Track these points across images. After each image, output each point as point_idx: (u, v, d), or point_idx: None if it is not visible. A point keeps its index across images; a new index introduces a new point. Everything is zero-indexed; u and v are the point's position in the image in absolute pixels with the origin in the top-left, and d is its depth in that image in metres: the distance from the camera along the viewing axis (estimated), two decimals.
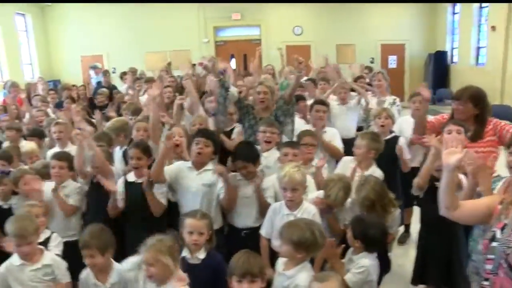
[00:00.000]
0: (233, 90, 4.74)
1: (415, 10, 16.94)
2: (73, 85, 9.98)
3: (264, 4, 16.49)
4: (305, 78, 8.23)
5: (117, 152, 4.61)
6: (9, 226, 3.09)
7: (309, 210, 3.35)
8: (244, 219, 3.79)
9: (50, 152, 4.82)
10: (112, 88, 9.18)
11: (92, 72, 12.87)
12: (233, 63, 15.41)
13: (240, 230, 3.79)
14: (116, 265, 3.12)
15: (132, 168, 3.82)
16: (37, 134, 5.42)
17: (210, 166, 3.79)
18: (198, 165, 3.78)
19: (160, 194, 3.71)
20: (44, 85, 9.48)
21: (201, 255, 3.11)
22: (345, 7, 16.34)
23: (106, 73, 10.52)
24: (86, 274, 3.13)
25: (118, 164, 4.42)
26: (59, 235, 3.61)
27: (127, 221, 3.81)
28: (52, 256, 3.23)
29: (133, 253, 2.98)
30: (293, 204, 3.33)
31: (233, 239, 3.74)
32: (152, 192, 3.65)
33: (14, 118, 6.61)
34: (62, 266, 3.21)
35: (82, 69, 16.98)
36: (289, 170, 3.28)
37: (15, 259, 3.13)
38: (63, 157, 4.03)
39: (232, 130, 4.99)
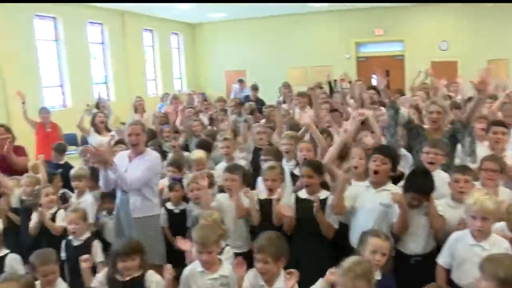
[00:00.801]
0: (403, 111, 4.60)
1: None
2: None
3: (408, 18, 15.99)
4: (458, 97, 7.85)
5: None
6: (194, 232, 3.29)
7: (500, 243, 3.07)
8: (414, 245, 3.61)
9: (220, 166, 5.08)
10: (259, 102, 9.47)
11: (236, 86, 13.52)
12: (374, 81, 15.11)
13: (409, 257, 3.63)
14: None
15: (304, 186, 3.89)
16: (205, 145, 5.74)
17: (388, 186, 3.69)
18: (376, 183, 3.70)
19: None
20: (199, 97, 10.13)
21: (377, 276, 3.03)
22: (497, 17, 15.11)
23: (254, 87, 10.87)
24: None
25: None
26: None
27: (297, 234, 3.86)
28: (230, 267, 3.36)
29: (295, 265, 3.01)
30: (481, 234, 3.07)
31: (402, 266, 3.59)
32: (322, 215, 3.68)
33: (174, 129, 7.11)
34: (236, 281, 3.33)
35: (226, 83, 17.91)
36: (480, 197, 3.04)
37: (197, 265, 3.31)
38: (237, 170, 4.21)
39: None
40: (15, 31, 10.81)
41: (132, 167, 3.98)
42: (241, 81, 13.30)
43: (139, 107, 8.44)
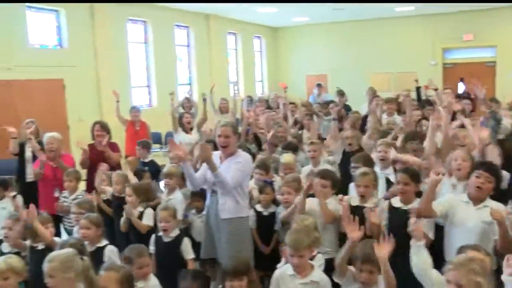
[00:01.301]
0: (506, 122, 4.35)
1: None
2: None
3: (502, 21, 15.11)
4: None
5: None
6: (287, 236, 3.29)
7: None
8: None
9: (306, 169, 5.05)
10: (346, 108, 9.32)
11: (315, 90, 13.41)
12: (461, 88, 14.44)
13: None
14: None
15: (399, 193, 3.76)
16: (292, 148, 5.75)
17: (488, 201, 3.47)
18: (476, 199, 3.50)
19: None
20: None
21: None
22: None
23: (341, 93, 10.71)
24: None
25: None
26: None
27: None
28: (321, 274, 3.32)
29: None
30: None
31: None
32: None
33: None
34: (328, 285, 3.29)
35: (307, 87, 17.86)
36: None
37: (288, 268, 3.31)
38: (328, 175, 4.16)
39: None
40: (110, 34, 11.42)
41: (223, 169, 4.02)
42: (319, 86, 13.17)
43: (223, 109, 8.61)
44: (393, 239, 2.99)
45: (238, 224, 4.05)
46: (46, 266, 2.83)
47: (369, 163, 4.55)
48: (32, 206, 3.82)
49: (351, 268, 3.17)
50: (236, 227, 4.02)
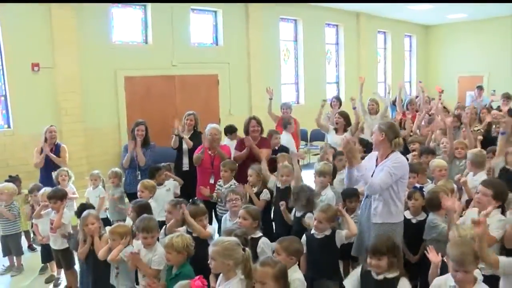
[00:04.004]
0: None
1: None
2: None
3: None
4: None
5: None
6: (450, 249, 3.11)
7: None
8: None
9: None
10: None
11: (472, 93, 12.47)
12: None
13: None
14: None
15: None
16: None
17: None
18: None
19: None
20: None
21: None
22: None
23: (508, 96, 9.71)
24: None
25: None
26: None
27: None
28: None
29: None
30: None
31: None
32: None
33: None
34: None
35: (459, 90, 16.76)
36: None
37: (449, 279, 3.12)
38: (492, 185, 3.86)
39: None
40: (263, 32, 11.85)
41: (377, 170, 3.93)
42: (480, 88, 12.23)
43: (371, 111, 8.42)
44: None
45: (389, 230, 3.92)
46: (210, 249, 3.05)
47: None
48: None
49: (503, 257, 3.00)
50: (385, 232, 3.90)
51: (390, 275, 3.17)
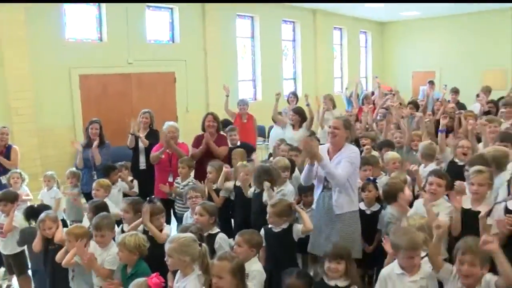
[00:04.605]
0: None
1: None
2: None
3: None
4: None
5: None
6: (398, 235, 3.23)
7: None
8: None
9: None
10: (460, 106, 8.83)
11: (424, 88, 12.83)
12: None
13: None
14: None
15: None
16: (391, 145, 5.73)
17: None
18: None
19: None
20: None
21: None
22: None
23: (455, 90, 10.15)
24: None
25: None
26: None
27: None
28: (429, 268, 3.21)
29: None
30: None
31: None
32: None
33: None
34: (435, 282, 3.20)
35: (413, 84, 17.23)
36: None
37: (396, 267, 3.25)
38: (444, 175, 4.01)
39: None
40: (220, 29, 11.84)
41: (335, 163, 3.99)
42: (431, 83, 12.58)
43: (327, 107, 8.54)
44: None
45: (350, 219, 4.04)
46: (166, 246, 3.04)
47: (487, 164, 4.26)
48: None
49: (448, 264, 3.07)
50: (348, 222, 4.00)
51: (342, 284, 3.26)
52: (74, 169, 6.06)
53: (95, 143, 6.07)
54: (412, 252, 3.09)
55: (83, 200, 5.91)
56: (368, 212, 4.44)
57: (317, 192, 4.21)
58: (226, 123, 7.41)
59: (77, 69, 9.23)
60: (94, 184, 5.09)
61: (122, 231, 4.07)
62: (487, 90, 9.46)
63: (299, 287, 3.21)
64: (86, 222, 4.51)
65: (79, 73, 9.27)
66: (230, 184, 5.15)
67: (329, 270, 3.26)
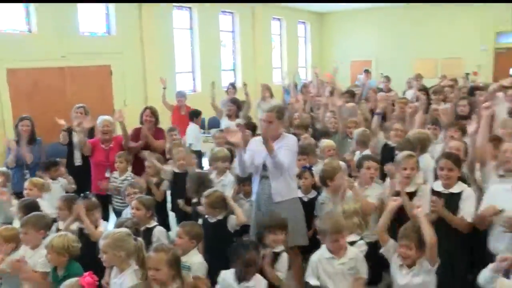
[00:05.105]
0: None
1: None
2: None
3: None
4: None
5: None
6: (324, 220, 3.40)
7: None
8: None
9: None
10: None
11: (361, 77, 13.21)
12: None
13: None
14: None
15: (441, 178, 3.74)
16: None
17: None
18: None
19: None
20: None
21: None
22: None
23: (388, 78, 10.61)
24: None
25: None
26: None
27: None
28: (354, 249, 3.43)
29: None
30: None
31: None
32: (448, 213, 3.58)
33: None
34: (362, 258, 3.39)
35: (351, 73, 17.64)
36: None
37: (325, 252, 3.38)
38: (376, 159, 4.17)
39: None
40: (157, 21, 11.59)
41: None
42: (367, 72, 12.96)
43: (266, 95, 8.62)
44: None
45: (292, 205, 4.12)
46: (100, 242, 2.97)
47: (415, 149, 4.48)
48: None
49: (392, 241, 3.35)
50: (289, 209, 4.07)
51: (277, 250, 3.50)
52: (3, 168, 5.74)
53: (23, 141, 5.83)
54: (336, 235, 3.29)
55: (15, 201, 5.67)
56: (305, 199, 4.54)
57: (255, 182, 4.24)
58: (194, 112, 7.69)
59: (4, 63, 8.74)
60: (26, 183, 4.89)
61: (58, 230, 3.95)
62: (419, 77, 9.87)
63: (256, 259, 3.29)
64: (17, 224, 4.34)
65: (7, 66, 8.80)
66: (169, 168, 5.15)
67: (272, 241, 3.50)
